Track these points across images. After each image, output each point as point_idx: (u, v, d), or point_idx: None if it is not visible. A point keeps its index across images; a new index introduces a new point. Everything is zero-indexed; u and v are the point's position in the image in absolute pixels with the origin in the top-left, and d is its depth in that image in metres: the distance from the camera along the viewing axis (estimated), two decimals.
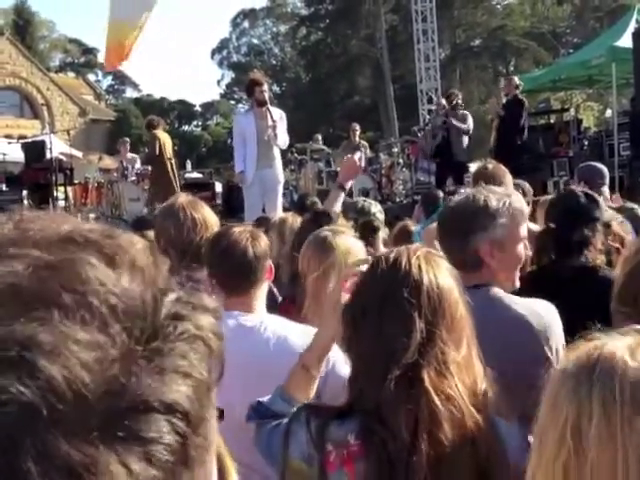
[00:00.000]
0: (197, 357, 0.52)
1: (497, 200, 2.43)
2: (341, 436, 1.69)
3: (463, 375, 1.70)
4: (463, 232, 2.41)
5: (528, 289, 2.52)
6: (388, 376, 1.63)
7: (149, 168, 12.58)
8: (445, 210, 2.64)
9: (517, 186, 4.52)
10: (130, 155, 13.87)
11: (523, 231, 2.48)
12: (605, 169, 5.89)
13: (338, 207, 3.85)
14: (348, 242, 2.74)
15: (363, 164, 3.95)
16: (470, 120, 12.25)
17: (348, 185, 4.19)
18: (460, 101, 12.31)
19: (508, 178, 4.09)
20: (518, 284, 2.51)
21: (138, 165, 13.56)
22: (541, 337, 2.27)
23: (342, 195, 4.02)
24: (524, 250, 2.50)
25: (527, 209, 2.56)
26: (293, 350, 2.36)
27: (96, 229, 0.54)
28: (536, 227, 3.55)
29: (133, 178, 13.25)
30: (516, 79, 12.35)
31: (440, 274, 1.76)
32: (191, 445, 0.50)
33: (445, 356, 1.68)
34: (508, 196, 2.49)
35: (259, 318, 2.52)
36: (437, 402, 1.63)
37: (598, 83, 16.22)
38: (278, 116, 8.26)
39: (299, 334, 2.48)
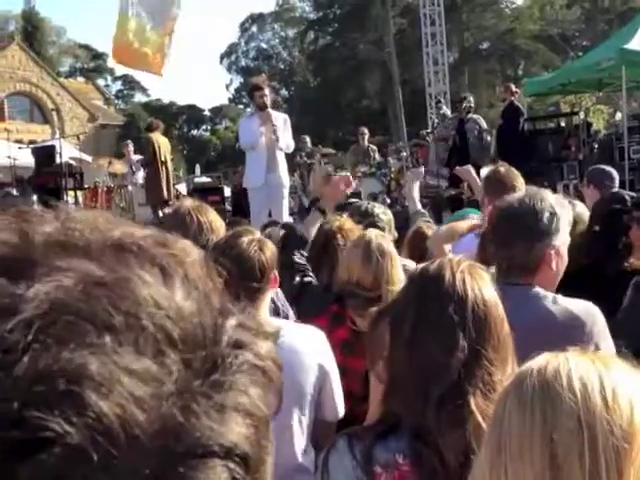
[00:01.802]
0: (258, 392, 0.47)
1: (560, 206, 2.44)
2: (389, 457, 1.61)
3: None
4: (529, 237, 2.38)
5: (569, 288, 2.48)
6: (429, 397, 1.56)
7: None
8: (503, 213, 2.55)
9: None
10: (136, 157, 13.92)
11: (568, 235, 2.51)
12: (615, 172, 5.86)
13: (314, 231, 3.69)
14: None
15: (351, 188, 3.69)
16: (483, 122, 12.29)
17: (330, 207, 3.96)
18: (472, 105, 12.30)
19: (520, 182, 4.07)
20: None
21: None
22: (586, 333, 2.26)
23: (320, 219, 3.81)
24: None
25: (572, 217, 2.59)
26: (300, 353, 2.37)
27: (148, 235, 0.49)
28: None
29: (141, 182, 13.29)
30: (512, 86, 12.51)
31: (485, 289, 1.66)
32: None
33: (492, 377, 1.58)
34: (568, 206, 2.52)
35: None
36: (484, 427, 1.51)
37: (608, 86, 16.12)
38: (282, 120, 8.27)
39: (305, 337, 2.50)
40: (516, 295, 1.81)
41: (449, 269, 1.65)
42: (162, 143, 11.95)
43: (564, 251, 2.45)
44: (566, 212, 2.48)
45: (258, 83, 8.41)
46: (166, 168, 11.89)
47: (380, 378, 1.79)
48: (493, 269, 2.38)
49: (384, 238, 2.92)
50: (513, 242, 2.41)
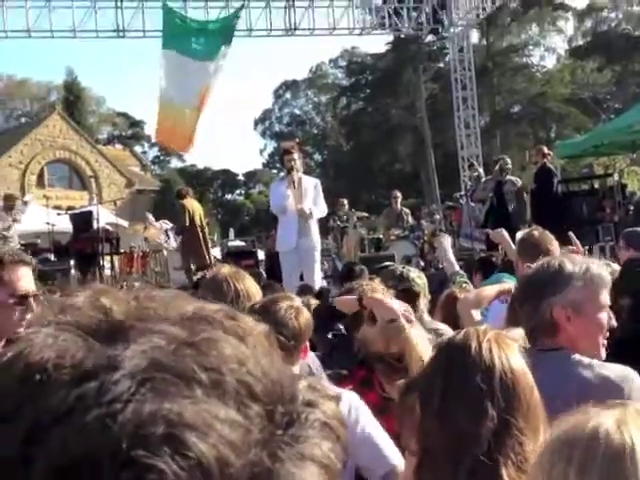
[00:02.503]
0: (329, 446, 0.51)
1: (573, 264, 2.40)
2: None
3: None
4: (537, 296, 2.38)
5: (612, 356, 2.44)
6: (460, 468, 1.52)
7: None
8: (522, 278, 2.62)
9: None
10: (159, 224, 14.19)
11: (604, 298, 2.41)
12: None
13: None
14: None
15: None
16: (520, 183, 12.32)
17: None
18: (510, 166, 12.33)
19: (555, 245, 4.04)
20: (604, 355, 2.42)
21: (169, 226, 13.94)
22: (624, 399, 2.20)
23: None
24: (608, 319, 2.42)
25: (609, 278, 2.48)
26: None
27: (219, 309, 0.54)
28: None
29: (174, 245, 13.49)
30: (545, 148, 12.55)
31: (512, 357, 1.64)
32: None
33: (523, 447, 1.54)
34: (587, 262, 2.46)
35: None
36: None
37: None
38: (312, 185, 8.36)
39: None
40: (548, 362, 1.78)
41: (475, 338, 1.65)
42: (196, 209, 12.14)
43: (593, 312, 2.38)
44: (598, 274, 2.41)
45: (287, 147, 8.57)
46: (203, 233, 12.05)
47: (411, 451, 1.76)
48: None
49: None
50: (523, 303, 2.45)
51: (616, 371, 2.27)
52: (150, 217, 14.46)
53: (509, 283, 4.13)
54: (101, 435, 0.44)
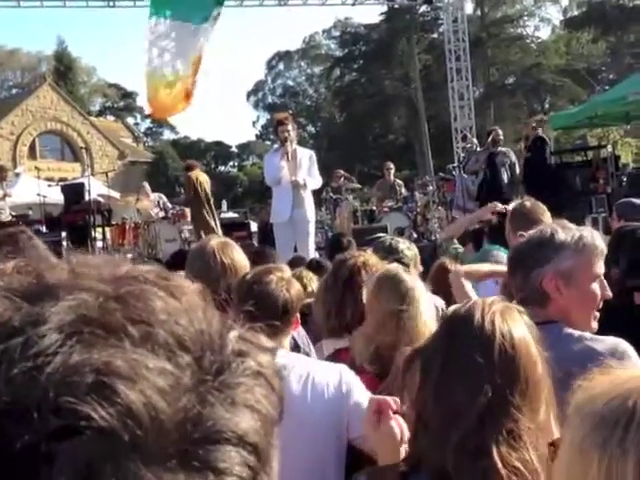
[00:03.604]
0: (262, 392, 0.52)
1: (565, 233, 2.35)
2: None
3: (538, 443, 1.50)
4: (528, 265, 2.34)
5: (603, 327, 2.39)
6: (449, 440, 1.50)
7: (185, 209, 12.74)
8: (513, 248, 2.59)
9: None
10: (153, 196, 14.15)
11: (598, 268, 2.35)
12: None
13: None
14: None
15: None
16: (513, 155, 12.29)
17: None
18: (501, 137, 12.30)
19: (547, 216, 4.02)
20: (595, 326, 2.37)
21: (167, 202, 13.89)
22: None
23: None
24: (602, 290, 2.37)
25: (604, 248, 2.41)
26: (316, 384, 2.35)
27: (151, 270, 0.55)
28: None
29: (163, 214, 13.49)
30: (533, 123, 12.63)
31: (516, 331, 1.59)
32: None
33: (517, 424, 1.51)
34: (580, 231, 2.39)
35: (284, 359, 2.51)
36: (505, 478, 1.46)
37: (635, 119, 16.06)
38: (307, 157, 8.31)
39: (322, 370, 2.48)
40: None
41: (480, 310, 1.60)
42: (203, 181, 12.10)
43: (584, 282, 2.32)
44: (591, 243, 2.36)
45: (280, 118, 8.50)
46: (209, 204, 12.02)
47: (408, 418, 1.76)
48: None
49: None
50: (513, 273, 2.43)
51: (607, 344, 2.23)
52: (147, 187, 14.39)
53: (503, 266, 4.13)
54: (28, 385, 0.44)
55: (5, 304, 0.49)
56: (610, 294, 2.41)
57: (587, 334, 2.28)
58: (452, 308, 1.73)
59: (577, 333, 2.27)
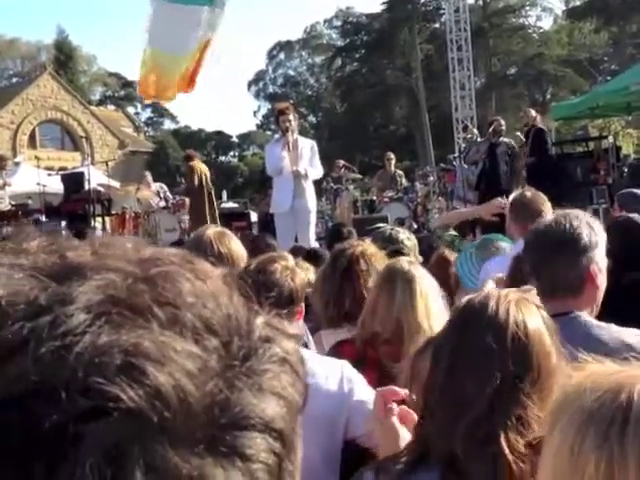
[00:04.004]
0: (288, 379, 0.51)
1: (596, 223, 2.40)
2: None
3: None
4: (573, 250, 2.30)
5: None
6: (458, 427, 1.50)
7: (185, 199, 12.72)
8: (542, 231, 2.43)
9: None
10: (155, 186, 14.14)
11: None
12: None
13: None
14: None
15: None
16: (515, 145, 12.26)
17: None
18: (503, 128, 12.25)
19: (547, 207, 4.00)
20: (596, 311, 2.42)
21: (167, 192, 13.88)
22: None
23: None
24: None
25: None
26: (316, 376, 2.34)
27: (177, 253, 0.55)
28: None
29: (163, 204, 13.51)
30: (532, 111, 12.61)
31: (530, 320, 1.58)
32: (285, 470, 0.50)
33: (526, 411, 1.50)
34: (597, 222, 2.44)
35: None
36: (513, 465, 1.46)
37: (637, 110, 16.00)
38: (309, 147, 8.29)
39: (322, 363, 2.46)
40: (566, 328, 1.74)
41: (495, 299, 1.60)
42: (203, 171, 12.09)
43: (604, 268, 2.37)
44: (602, 231, 2.40)
45: (282, 108, 8.45)
46: (210, 195, 12.01)
47: (415, 405, 1.75)
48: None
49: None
50: (555, 258, 2.32)
51: (637, 337, 2.23)
52: (149, 177, 14.38)
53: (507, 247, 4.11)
54: (56, 365, 0.44)
55: (32, 283, 0.48)
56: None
57: (614, 326, 2.27)
58: (466, 298, 1.71)
59: (605, 325, 2.27)
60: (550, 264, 2.32)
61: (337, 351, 2.91)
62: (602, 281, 2.35)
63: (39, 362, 0.44)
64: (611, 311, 2.33)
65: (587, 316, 2.29)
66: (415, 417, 1.78)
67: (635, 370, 1.06)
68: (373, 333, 2.71)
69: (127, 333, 0.45)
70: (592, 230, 2.34)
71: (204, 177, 11.98)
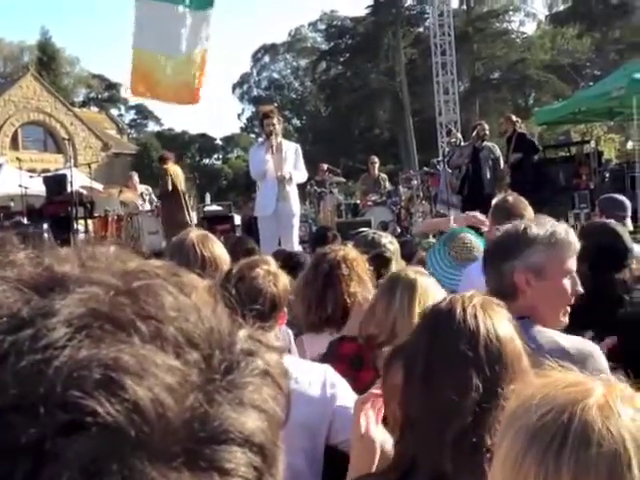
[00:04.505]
0: (270, 393, 0.51)
1: (539, 228, 2.36)
2: None
3: None
4: (500, 258, 2.36)
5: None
6: (445, 438, 1.48)
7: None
8: (488, 241, 2.64)
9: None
10: (140, 188, 14.09)
11: (570, 264, 2.37)
12: (627, 201, 5.82)
13: None
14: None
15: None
16: (498, 150, 12.31)
17: None
18: (487, 132, 12.30)
19: (529, 211, 4.02)
20: (566, 321, 2.38)
21: (152, 194, 13.84)
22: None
23: None
24: (573, 286, 2.37)
25: (577, 243, 2.42)
26: (299, 383, 2.32)
27: (162, 265, 0.54)
28: None
29: (148, 206, 13.44)
30: (512, 116, 12.78)
31: (499, 324, 1.58)
32: None
33: None
34: (554, 227, 2.40)
35: None
36: None
37: (619, 115, 16.11)
38: (293, 150, 8.28)
39: (304, 370, 2.45)
40: None
41: (460, 304, 1.59)
42: (178, 174, 12.03)
43: (555, 277, 2.34)
44: (564, 239, 2.37)
45: (266, 111, 8.45)
46: (184, 198, 11.96)
47: (395, 419, 1.72)
48: None
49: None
50: (485, 266, 2.44)
51: (575, 343, 2.22)
52: (135, 178, 14.30)
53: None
54: (35, 379, 0.44)
55: (15, 295, 0.48)
56: (581, 290, 2.42)
57: (556, 332, 2.27)
58: (431, 304, 1.70)
59: (547, 331, 2.26)
60: (485, 272, 2.44)
61: (336, 348, 2.91)
62: (539, 290, 2.31)
63: (18, 375, 0.44)
64: (585, 312, 2.35)
65: (530, 320, 2.26)
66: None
67: (591, 384, 1.08)
68: (369, 335, 2.71)
69: (107, 347, 0.45)
70: (519, 240, 2.35)
71: (177, 180, 11.90)
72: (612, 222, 3.80)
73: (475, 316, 1.56)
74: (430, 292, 2.65)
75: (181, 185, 11.95)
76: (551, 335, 2.25)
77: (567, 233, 2.39)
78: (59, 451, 0.43)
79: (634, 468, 0.99)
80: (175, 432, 0.45)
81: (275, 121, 8.12)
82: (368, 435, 1.79)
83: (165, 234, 11.82)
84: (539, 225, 2.39)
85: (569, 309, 2.38)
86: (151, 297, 0.50)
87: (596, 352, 2.22)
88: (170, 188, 11.77)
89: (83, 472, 0.42)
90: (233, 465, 0.47)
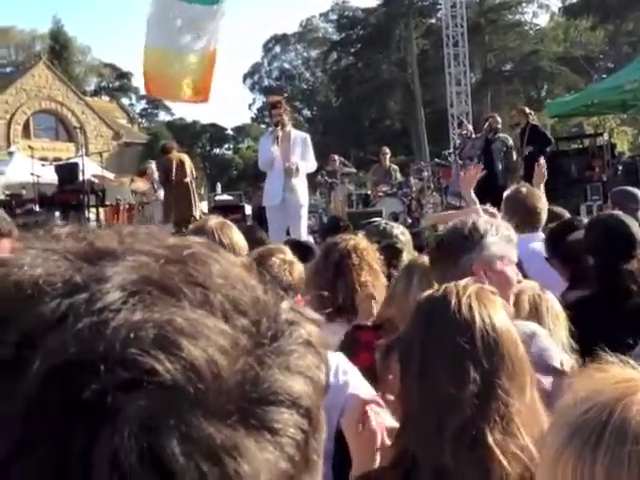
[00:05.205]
0: (313, 361, 0.53)
1: (484, 222, 2.56)
2: None
3: (530, 425, 1.49)
4: (455, 252, 2.48)
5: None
6: (445, 433, 1.47)
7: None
8: (436, 239, 2.74)
9: (553, 212, 4.44)
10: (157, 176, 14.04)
11: (512, 254, 2.54)
12: (639, 193, 5.78)
13: None
14: None
15: None
16: (511, 141, 12.25)
17: None
18: (499, 124, 12.25)
19: (542, 202, 4.01)
20: (512, 309, 2.44)
21: None
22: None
23: None
24: (515, 274, 2.54)
25: (515, 236, 2.64)
26: None
27: (200, 242, 0.56)
28: None
29: (162, 198, 13.41)
30: (526, 108, 12.66)
31: (495, 314, 1.56)
32: (310, 447, 0.51)
33: (509, 408, 1.48)
34: (495, 222, 2.64)
35: None
36: (506, 465, 1.44)
37: (632, 108, 16.04)
38: (302, 139, 8.28)
39: None
40: None
41: (455, 295, 1.56)
42: (184, 161, 11.92)
43: (504, 267, 2.48)
44: (506, 233, 2.54)
45: (273, 102, 8.49)
46: (190, 186, 11.85)
47: (396, 411, 1.72)
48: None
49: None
50: (440, 261, 2.57)
51: (522, 328, 2.26)
52: (153, 167, 14.18)
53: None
54: (94, 339, 0.45)
55: (65, 264, 0.50)
56: (521, 279, 2.63)
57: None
58: (425, 295, 1.67)
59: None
60: (439, 271, 2.54)
61: (352, 336, 2.92)
62: (492, 280, 2.36)
63: (78, 336, 0.46)
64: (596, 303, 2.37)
65: None
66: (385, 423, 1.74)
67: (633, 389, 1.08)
68: (388, 319, 2.72)
69: (160, 311, 0.47)
70: (473, 234, 2.48)
71: (184, 168, 11.73)
72: (620, 213, 3.80)
73: (470, 307, 1.54)
74: None
75: (184, 173, 11.80)
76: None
77: (507, 227, 2.62)
78: (120, 407, 0.44)
79: None
80: (229, 392, 0.46)
81: (281, 111, 8.13)
82: (368, 428, 1.76)
83: (167, 221, 11.75)
84: (481, 219, 2.62)
85: (513, 297, 2.52)
86: (199, 265, 0.51)
87: (539, 332, 2.32)
88: (174, 177, 11.63)
89: (142, 427, 0.44)
90: (282, 425, 0.48)
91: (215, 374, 0.46)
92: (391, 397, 1.75)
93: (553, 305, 2.73)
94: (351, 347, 2.78)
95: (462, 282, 1.64)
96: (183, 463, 0.44)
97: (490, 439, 1.45)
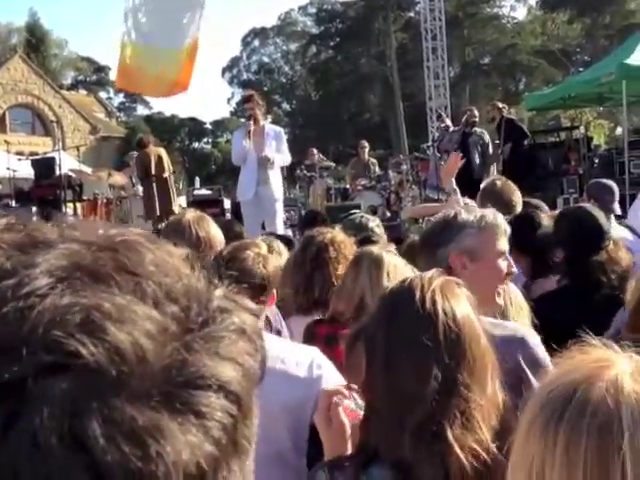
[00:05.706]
0: (245, 348, 0.53)
1: (468, 214, 2.49)
2: None
3: (489, 418, 1.52)
4: (434, 244, 2.46)
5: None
6: (405, 427, 1.48)
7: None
8: (423, 230, 2.74)
9: (530, 205, 4.47)
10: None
11: (501, 245, 2.47)
12: (615, 186, 5.83)
13: None
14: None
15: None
16: (487, 136, 12.30)
17: None
18: (477, 119, 12.30)
19: (517, 195, 4.04)
20: (501, 302, 2.46)
21: None
22: (512, 351, 2.14)
23: None
24: (508, 266, 2.47)
25: (507, 226, 2.55)
26: (286, 363, 2.33)
27: (140, 233, 0.56)
28: None
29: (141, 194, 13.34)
30: (499, 103, 12.86)
31: (458, 307, 1.56)
32: (239, 432, 0.51)
33: (469, 404, 1.49)
34: (482, 212, 2.54)
35: None
36: (463, 460, 1.46)
37: (608, 101, 16.13)
38: (276, 133, 8.27)
39: (294, 354, 2.46)
40: None
41: (419, 288, 1.57)
42: (161, 155, 11.88)
43: (488, 258, 2.43)
44: (493, 222, 2.47)
45: (246, 96, 8.52)
46: (166, 181, 11.79)
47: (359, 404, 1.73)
48: None
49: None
50: (421, 253, 2.57)
51: (506, 330, 2.23)
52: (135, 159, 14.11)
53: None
54: (18, 322, 0.45)
55: None
56: (515, 270, 2.55)
57: (489, 319, 2.28)
58: (391, 287, 1.68)
59: (481, 319, 2.29)
60: (422, 258, 2.55)
61: (311, 330, 2.93)
62: (473, 271, 2.38)
63: (2, 320, 0.45)
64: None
65: None
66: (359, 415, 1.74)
67: (619, 360, 1.13)
68: (336, 312, 2.73)
69: (88, 296, 0.47)
70: (451, 226, 2.46)
71: (161, 163, 11.68)
72: (587, 205, 3.84)
73: (434, 301, 1.54)
74: (399, 270, 2.67)
75: (159, 168, 11.73)
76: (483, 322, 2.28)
77: (495, 217, 2.51)
78: (41, 390, 0.44)
79: (626, 438, 1.03)
80: (154, 375, 0.47)
81: (253, 106, 8.11)
82: (337, 420, 1.77)
83: (147, 217, 11.70)
84: (469, 211, 2.54)
85: (502, 291, 2.47)
86: (131, 253, 0.52)
87: (529, 340, 2.23)
88: (153, 171, 11.58)
89: (64, 410, 0.44)
90: (209, 409, 0.48)
91: (140, 357, 0.46)
92: (355, 387, 1.76)
93: (516, 296, 2.72)
94: (309, 340, 2.79)
95: (428, 274, 1.65)
96: (104, 444, 0.44)
97: (449, 434, 1.47)
